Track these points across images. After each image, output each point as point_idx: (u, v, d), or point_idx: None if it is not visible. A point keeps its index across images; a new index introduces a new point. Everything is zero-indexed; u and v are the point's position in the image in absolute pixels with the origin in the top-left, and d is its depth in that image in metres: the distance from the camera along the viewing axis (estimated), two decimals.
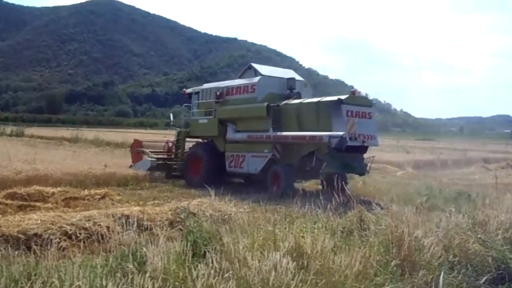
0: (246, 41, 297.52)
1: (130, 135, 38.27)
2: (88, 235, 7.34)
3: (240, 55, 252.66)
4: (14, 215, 8.45)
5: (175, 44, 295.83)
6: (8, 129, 42.60)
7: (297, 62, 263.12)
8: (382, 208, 7.52)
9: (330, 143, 13.20)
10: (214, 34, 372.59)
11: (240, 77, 16.95)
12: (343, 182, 11.38)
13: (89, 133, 40.12)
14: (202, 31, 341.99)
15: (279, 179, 14.30)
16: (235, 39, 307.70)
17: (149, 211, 8.83)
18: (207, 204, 9.45)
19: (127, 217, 8.02)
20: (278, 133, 14.68)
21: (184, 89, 19.41)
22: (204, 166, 16.57)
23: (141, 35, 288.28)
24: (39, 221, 7.50)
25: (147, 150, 18.75)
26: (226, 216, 8.82)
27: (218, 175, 16.18)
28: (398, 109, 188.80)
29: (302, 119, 14.49)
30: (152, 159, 17.87)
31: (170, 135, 20.81)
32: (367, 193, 14.11)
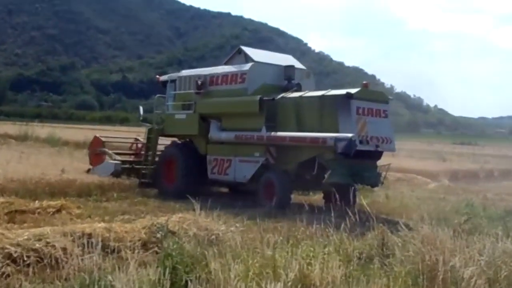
0: (241, 17, 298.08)
1: (94, 132, 38.15)
2: (39, 259, 7.30)
3: (233, 35, 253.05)
4: None
5: (152, 19, 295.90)
6: None
7: (305, 44, 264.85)
8: (410, 230, 7.54)
9: (335, 147, 13.26)
10: (201, 7, 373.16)
11: (227, 63, 16.97)
12: (352, 196, 11.91)
13: (41, 130, 40.05)
14: (187, 3, 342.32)
15: (272, 190, 14.44)
16: (228, 14, 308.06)
17: (117, 228, 8.81)
18: (190, 221, 9.45)
19: (89, 236, 7.99)
20: (273, 134, 14.75)
21: (158, 76, 19.53)
22: (180, 172, 16.71)
23: (108, 7, 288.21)
24: None
25: (109, 151, 18.90)
26: (213, 236, 8.83)
27: (198, 183, 16.34)
28: (432, 105, 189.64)
29: (302, 117, 14.61)
30: (115, 161, 18.04)
31: (143, 133, 20.80)
32: (391, 210, 14.16)
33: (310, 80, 16.84)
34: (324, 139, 13.53)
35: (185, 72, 18.25)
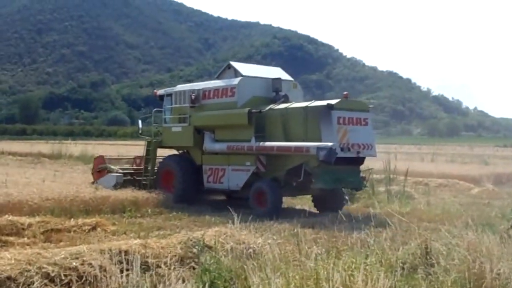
0: (270, 25, 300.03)
1: (127, 148, 38.69)
2: (77, 278, 7.38)
3: (263, 44, 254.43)
4: None
5: (181, 32, 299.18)
6: None
7: (336, 50, 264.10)
8: (454, 237, 7.42)
9: (317, 155, 14.47)
10: (229, 18, 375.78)
11: (218, 78, 18.22)
12: (340, 200, 14.69)
13: (74, 147, 40.78)
14: (215, 14, 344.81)
15: (264, 197, 15.62)
16: (257, 23, 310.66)
17: (153, 244, 8.84)
18: (226, 234, 9.44)
19: (126, 253, 8.05)
20: (261, 144, 15.93)
21: (155, 90, 20.82)
22: (177, 182, 17.93)
23: (137, 22, 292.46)
24: (12, 261, 7.54)
25: (111, 166, 19.85)
26: (251, 250, 8.79)
27: (195, 191, 17.66)
28: (471, 107, 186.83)
29: (288, 127, 15.85)
30: (117, 174, 19.07)
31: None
32: (433, 217, 14.02)
33: (297, 91, 17.98)
34: (308, 148, 14.78)
35: (180, 87, 19.33)
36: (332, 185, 15.03)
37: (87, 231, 11.98)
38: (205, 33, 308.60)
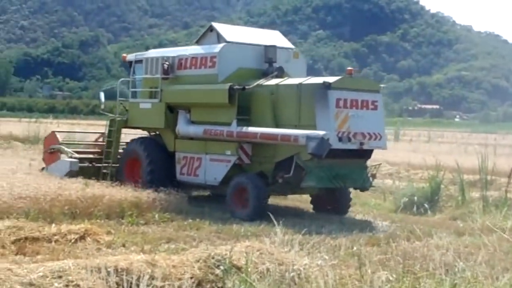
0: None
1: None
2: None
3: None
4: None
5: None
6: None
7: (416, 2, 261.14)
8: None
9: (306, 146, 15.15)
10: None
11: (198, 43, 19.08)
12: (344, 202, 16.41)
13: (57, 128, 41.09)
14: None
15: (245, 196, 16.27)
16: None
17: (161, 262, 8.90)
18: (261, 252, 9.45)
19: (126, 272, 8.14)
20: (244, 129, 16.64)
21: (124, 55, 21.97)
22: (144, 172, 18.70)
23: None
24: None
25: (66, 148, 20.67)
26: (294, 273, 8.79)
27: (165, 185, 17.78)
28: None
29: (278, 109, 16.58)
30: (72, 160, 19.73)
31: None
32: None
33: (298, 61, 18.69)
34: (296, 137, 15.44)
35: (152, 52, 20.29)
36: (327, 184, 15.79)
37: (73, 241, 12.01)
38: None
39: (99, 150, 20.96)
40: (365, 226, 15.22)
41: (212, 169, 17.52)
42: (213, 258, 9.19)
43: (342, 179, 15.91)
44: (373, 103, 16.27)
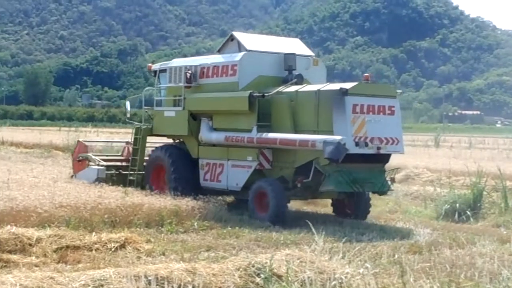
0: None
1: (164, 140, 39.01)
2: None
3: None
4: None
5: None
6: None
7: (456, 7, 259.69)
8: None
9: (323, 151, 15.59)
10: None
11: (220, 52, 19.59)
12: (364, 206, 16.96)
13: (96, 137, 41.46)
14: None
15: (265, 200, 16.74)
16: None
17: (202, 270, 8.90)
18: (302, 260, 9.41)
19: (166, 280, 8.13)
20: (264, 135, 17.14)
21: (150, 64, 22.57)
22: (169, 179, 19.26)
23: None
24: (17, 287, 7.73)
25: (93, 156, 21.64)
26: (335, 282, 8.73)
27: (190, 191, 18.38)
28: None
29: (297, 115, 17.09)
30: (99, 167, 20.57)
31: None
32: None
33: (318, 69, 19.12)
34: (313, 142, 15.90)
35: (176, 62, 20.85)
36: (345, 188, 16.20)
37: (113, 249, 12.14)
38: None
39: (125, 158, 21.65)
40: (406, 233, 15.13)
41: (234, 174, 18.05)
42: (253, 266, 9.18)
43: (360, 183, 16.30)
44: (390, 108, 16.75)
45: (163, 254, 12.10)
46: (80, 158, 21.40)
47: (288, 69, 18.15)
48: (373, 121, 16.23)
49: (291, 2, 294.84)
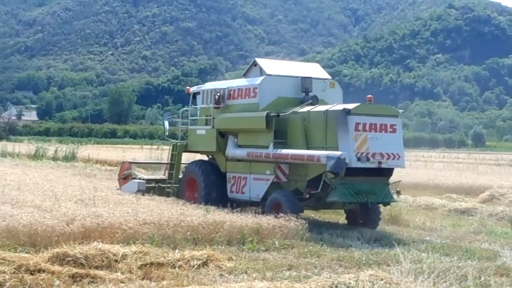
0: None
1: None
2: None
3: (434, 16, 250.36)
4: None
5: (319, 0, 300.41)
6: (51, 148, 46.11)
7: None
8: None
9: (326, 165, 17.14)
10: None
11: (245, 76, 21.72)
12: (374, 216, 18.71)
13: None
14: None
15: (280, 210, 17.97)
16: None
17: None
18: (386, 281, 9.30)
19: None
20: (278, 151, 18.87)
21: (188, 87, 24.61)
22: (201, 191, 21.31)
23: None
24: None
25: (134, 171, 24.77)
26: None
27: (219, 202, 19.95)
28: None
29: (309, 133, 18.78)
30: (140, 180, 23.35)
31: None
32: None
33: (334, 91, 20.77)
34: (318, 157, 17.51)
35: (208, 85, 23.17)
36: (350, 199, 17.71)
37: (196, 266, 12.21)
38: (352, 1, 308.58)
39: (163, 173, 24.67)
40: (492, 255, 14.80)
41: (255, 187, 20.03)
42: (336, 286, 9.12)
43: (364, 195, 17.71)
44: (392, 126, 18.26)
45: (245, 272, 12.13)
46: (125, 175, 24.08)
47: (305, 91, 19.86)
48: (375, 138, 17.74)
49: (371, 20, 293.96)
